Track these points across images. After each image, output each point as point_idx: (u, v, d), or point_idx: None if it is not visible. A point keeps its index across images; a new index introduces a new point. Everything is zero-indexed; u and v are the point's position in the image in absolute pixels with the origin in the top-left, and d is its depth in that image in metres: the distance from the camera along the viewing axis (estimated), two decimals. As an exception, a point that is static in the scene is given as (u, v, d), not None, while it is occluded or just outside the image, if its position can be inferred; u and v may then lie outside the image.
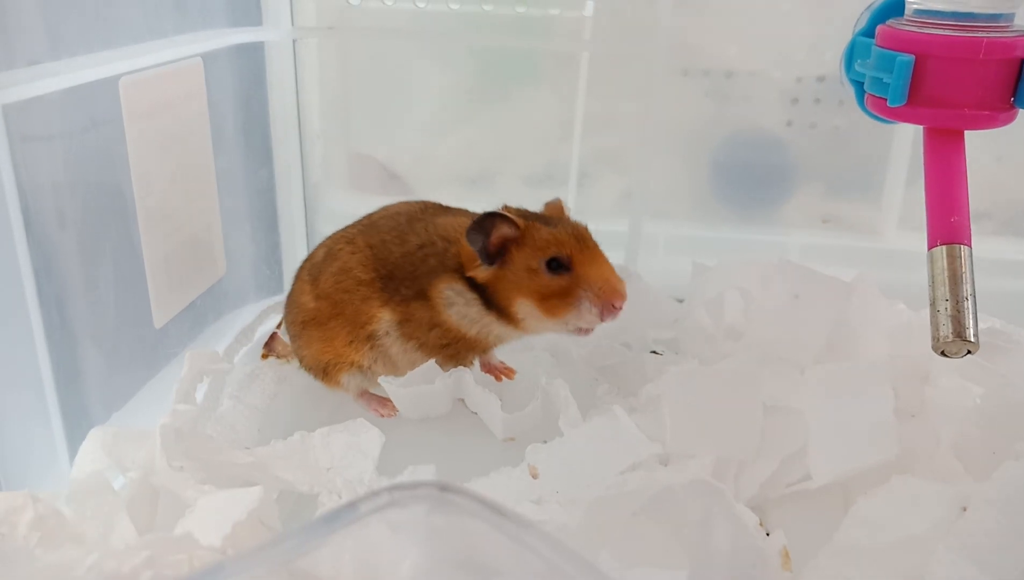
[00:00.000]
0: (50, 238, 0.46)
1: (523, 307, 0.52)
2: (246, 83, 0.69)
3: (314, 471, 0.45)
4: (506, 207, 0.55)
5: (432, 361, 0.55)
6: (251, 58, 0.70)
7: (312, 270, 0.58)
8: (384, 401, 0.57)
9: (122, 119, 0.52)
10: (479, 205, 0.79)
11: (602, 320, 0.51)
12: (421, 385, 0.53)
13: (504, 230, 0.51)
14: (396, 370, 0.56)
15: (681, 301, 0.67)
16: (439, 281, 0.54)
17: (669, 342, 0.65)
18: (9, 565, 0.34)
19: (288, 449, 0.45)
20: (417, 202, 0.61)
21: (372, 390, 0.58)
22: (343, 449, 0.46)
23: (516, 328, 0.54)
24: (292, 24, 0.72)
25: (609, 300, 0.51)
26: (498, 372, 0.59)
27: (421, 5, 0.72)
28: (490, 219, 0.51)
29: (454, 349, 0.55)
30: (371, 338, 0.55)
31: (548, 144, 0.77)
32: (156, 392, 0.57)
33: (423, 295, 0.54)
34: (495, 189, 0.80)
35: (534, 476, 0.45)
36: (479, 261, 0.52)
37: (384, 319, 0.55)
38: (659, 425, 0.48)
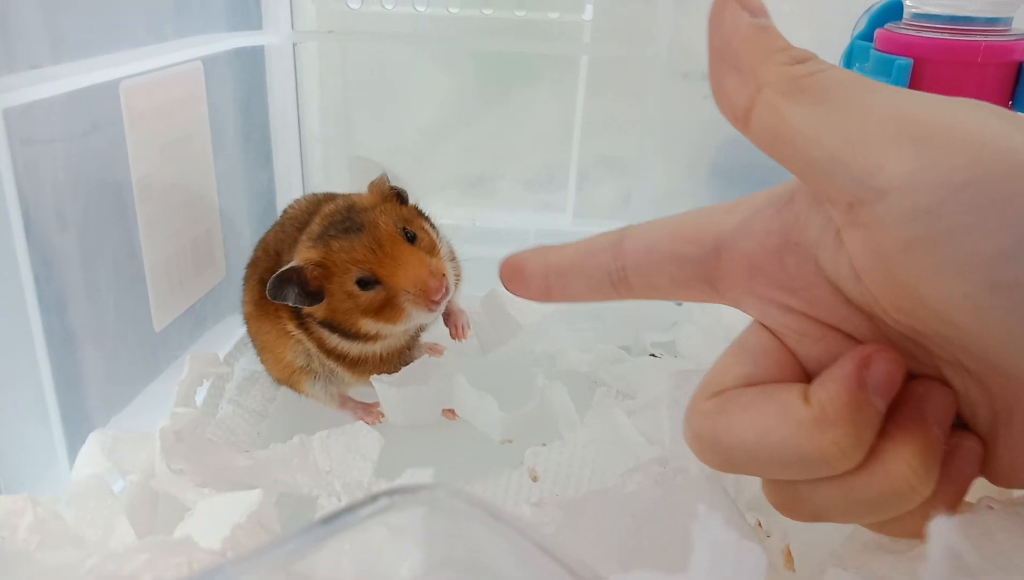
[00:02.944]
0: (50, 241, 0.46)
1: (368, 325, 0.51)
2: (246, 87, 0.70)
3: (314, 474, 0.45)
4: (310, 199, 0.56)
5: (425, 356, 0.54)
6: (251, 62, 0.70)
7: (245, 274, 0.60)
8: (368, 407, 0.57)
9: (123, 122, 0.52)
10: (480, 209, 0.79)
11: (433, 311, 0.49)
12: (413, 385, 0.53)
13: (310, 274, 0.50)
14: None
15: (679, 304, 0.67)
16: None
17: (667, 345, 0.65)
18: (9, 568, 0.34)
19: (288, 452, 0.45)
20: (313, 198, 0.60)
21: (357, 398, 0.58)
22: (342, 452, 0.46)
23: (383, 339, 0.53)
24: (292, 28, 0.72)
25: (426, 300, 0.48)
26: (455, 328, 0.58)
27: (421, 9, 0.72)
28: (289, 274, 0.49)
29: (364, 366, 0.54)
30: (291, 336, 0.55)
31: (548, 147, 0.78)
32: (156, 395, 0.57)
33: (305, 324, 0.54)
34: (495, 192, 0.80)
35: (534, 479, 0.45)
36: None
37: (294, 330, 0.55)
38: (658, 427, 0.48)
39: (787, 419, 0.27)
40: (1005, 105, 0.46)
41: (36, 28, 0.45)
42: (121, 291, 0.53)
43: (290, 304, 0.50)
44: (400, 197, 0.54)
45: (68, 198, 0.47)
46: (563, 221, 0.81)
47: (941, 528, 0.28)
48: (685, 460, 0.45)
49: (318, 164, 0.79)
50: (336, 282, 0.50)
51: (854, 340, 0.29)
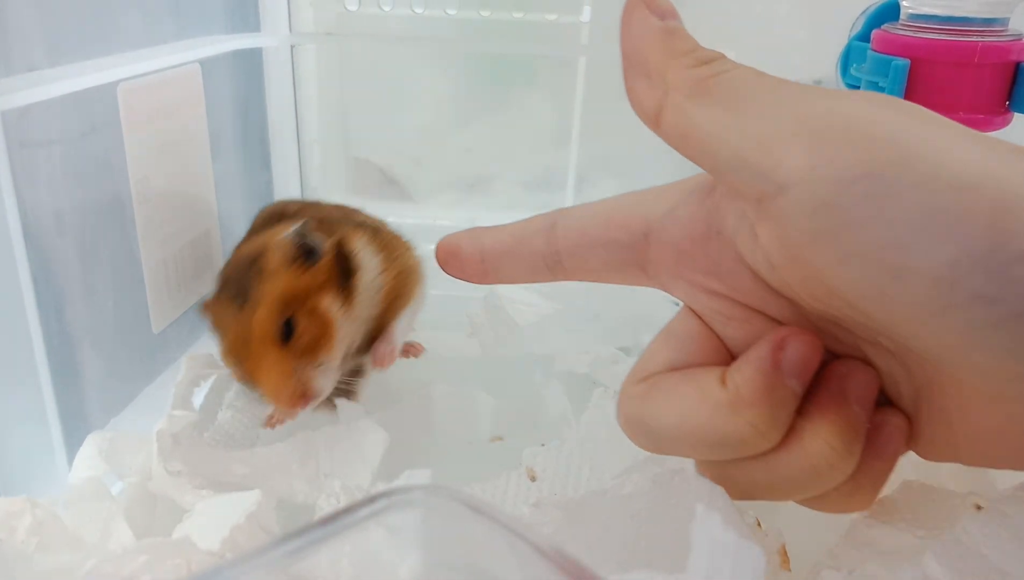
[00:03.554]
0: (49, 244, 0.46)
1: (250, 384, 0.49)
2: (244, 89, 0.70)
3: (312, 479, 0.45)
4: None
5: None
6: (249, 64, 0.70)
7: None
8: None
9: (120, 125, 0.52)
10: (478, 210, 0.79)
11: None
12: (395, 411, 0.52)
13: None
14: None
15: (678, 304, 0.67)
16: None
17: (667, 346, 0.65)
18: (7, 569, 0.34)
19: (288, 453, 0.45)
20: (272, 209, 0.58)
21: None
22: (345, 452, 0.46)
23: None
24: (290, 30, 0.72)
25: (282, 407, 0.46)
26: (375, 356, 0.54)
27: (419, 11, 0.72)
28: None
29: None
30: None
31: (546, 149, 0.78)
32: (154, 397, 0.57)
33: None
34: (493, 193, 0.80)
35: (532, 479, 0.45)
36: None
37: None
38: (657, 428, 0.47)
39: (705, 402, 0.28)
40: (1002, 105, 0.46)
41: (33, 30, 0.45)
42: (119, 293, 0.53)
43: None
44: (309, 254, 0.48)
45: (66, 200, 0.47)
46: (561, 222, 0.81)
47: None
48: (683, 460, 0.45)
49: (316, 166, 0.79)
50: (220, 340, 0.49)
51: (778, 322, 0.29)
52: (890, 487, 0.36)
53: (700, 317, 0.31)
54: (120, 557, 0.33)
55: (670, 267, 0.31)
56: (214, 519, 0.37)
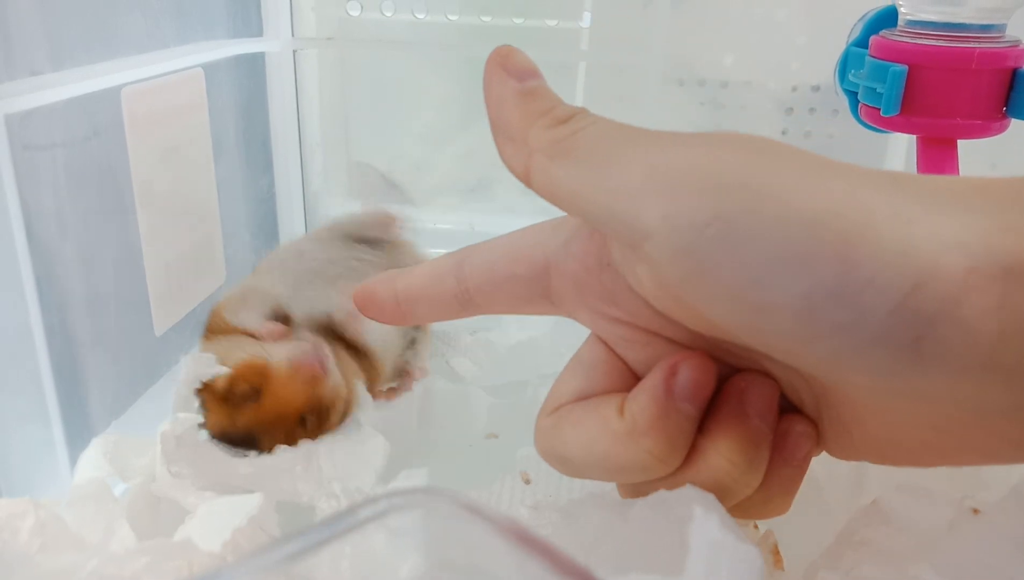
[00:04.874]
0: (52, 246, 0.46)
1: None
2: (247, 93, 0.70)
3: (316, 483, 0.45)
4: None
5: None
6: (252, 68, 0.70)
7: None
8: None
9: (123, 128, 0.52)
10: (478, 213, 0.79)
11: None
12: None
13: None
14: None
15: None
16: None
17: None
18: (10, 571, 0.34)
19: (293, 455, 0.45)
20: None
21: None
22: (347, 458, 0.46)
23: None
24: (292, 35, 0.72)
25: None
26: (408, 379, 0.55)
27: (420, 16, 0.73)
28: None
29: None
30: None
31: (546, 153, 0.78)
32: (157, 399, 0.57)
33: None
34: (493, 197, 0.80)
35: (527, 482, 0.45)
36: None
37: None
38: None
39: (605, 433, 0.29)
40: (999, 111, 0.46)
41: (37, 34, 0.45)
42: (122, 295, 0.54)
43: None
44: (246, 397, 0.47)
45: (69, 203, 0.48)
46: (561, 226, 0.81)
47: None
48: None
49: (318, 170, 0.79)
50: None
51: (676, 343, 0.30)
52: (885, 488, 0.36)
53: (605, 343, 0.32)
54: (122, 558, 0.33)
55: (572, 298, 0.32)
56: (216, 521, 0.38)
